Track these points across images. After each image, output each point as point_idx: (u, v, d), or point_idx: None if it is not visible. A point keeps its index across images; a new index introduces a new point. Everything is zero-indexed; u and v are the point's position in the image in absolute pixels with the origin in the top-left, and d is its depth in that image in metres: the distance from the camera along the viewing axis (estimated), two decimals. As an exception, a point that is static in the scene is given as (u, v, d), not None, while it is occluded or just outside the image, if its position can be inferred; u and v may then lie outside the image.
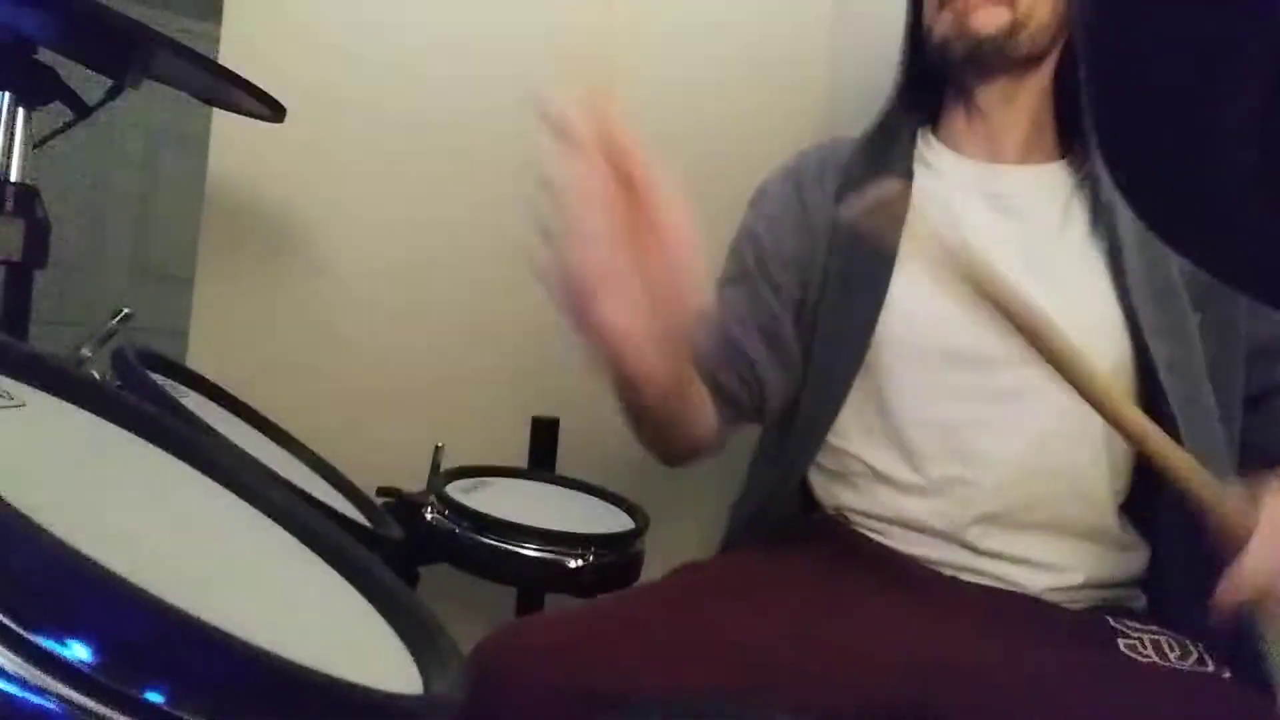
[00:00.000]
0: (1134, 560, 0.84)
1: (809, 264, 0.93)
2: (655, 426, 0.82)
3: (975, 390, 0.83)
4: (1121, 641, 0.74)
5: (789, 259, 0.94)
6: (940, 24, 0.87)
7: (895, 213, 0.58)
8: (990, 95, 0.89)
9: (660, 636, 0.71)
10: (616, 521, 1.06)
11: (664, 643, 0.71)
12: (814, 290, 0.93)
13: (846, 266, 0.90)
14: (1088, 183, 0.88)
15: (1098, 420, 0.79)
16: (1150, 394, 0.79)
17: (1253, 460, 0.79)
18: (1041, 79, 0.89)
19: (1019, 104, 0.89)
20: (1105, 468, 0.82)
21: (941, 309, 0.79)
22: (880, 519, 0.86)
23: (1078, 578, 0.81)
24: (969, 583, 0.80)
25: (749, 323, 0.92)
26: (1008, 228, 0.87)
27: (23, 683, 0.30)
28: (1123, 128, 0.35)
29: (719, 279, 0.98)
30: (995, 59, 0.86)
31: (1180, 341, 0.80)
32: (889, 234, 0.61)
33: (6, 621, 0.30)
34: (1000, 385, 0.81)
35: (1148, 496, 0.83)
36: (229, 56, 1.18)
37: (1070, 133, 0.92)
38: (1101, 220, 0.86)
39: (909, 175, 0.92)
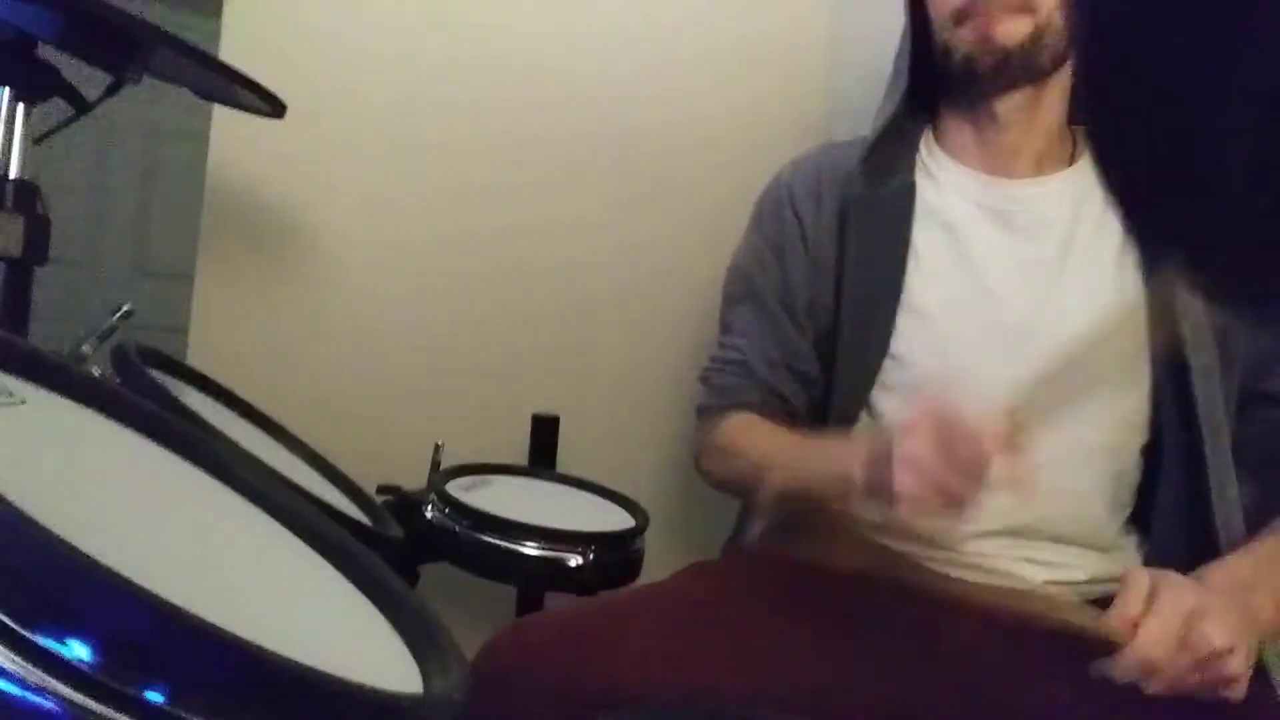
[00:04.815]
0: (1134, 560, 0.85)
1: (818, 290, 0.94)
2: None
3: None
4: None
5: (799, 285, 0.94)
6: (961, 40, 0.85)
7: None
8: (1012, 106, 0.87)
9: (668, 637, 0.72)
10: (617, 519, 1.05)
11: (671, 644, 0.71)
12: (824, 316, 0.93)
13: (854, 300, 0.90)
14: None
15: (1100, 448, 0.82)
16: (1178, 396, 0.80)
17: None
18: (1063, 82, 0.88)
19: (1041, 112, 0.88)
20: (1106, 491, 0.83)
21: (945, 340, 0.84)
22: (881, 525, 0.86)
23: (1079, 575, 0.82)
24: (972, 583, 0.80)
25: (778, 363, 0.94)
26: (1010, 243, 0.86)
27: (22, 682, 0.29)
28: (1117, 132, 0.35)
29: (732, 302, 1.00)
30: (1021, 70, 0.84)
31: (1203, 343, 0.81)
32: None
33: (6, 621, 0.30)
34: None
35: (1147, 505, 0.84)
36: (229, 52, 1.18)
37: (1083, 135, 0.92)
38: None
39: (911, 184, 0.91)
